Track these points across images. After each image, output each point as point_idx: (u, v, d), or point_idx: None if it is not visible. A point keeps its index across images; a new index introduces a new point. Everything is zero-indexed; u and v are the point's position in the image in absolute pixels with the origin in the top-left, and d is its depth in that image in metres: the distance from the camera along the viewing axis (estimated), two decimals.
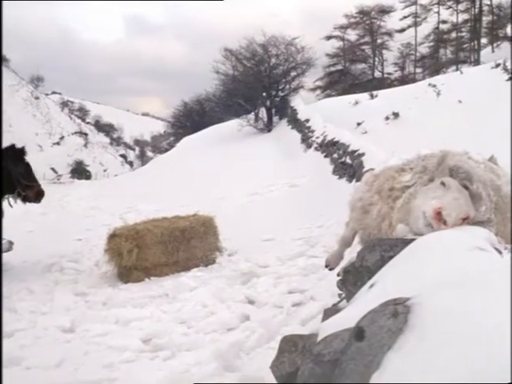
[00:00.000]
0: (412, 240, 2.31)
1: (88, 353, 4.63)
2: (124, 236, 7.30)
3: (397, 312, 1.43)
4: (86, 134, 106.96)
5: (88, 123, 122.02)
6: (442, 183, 2.58)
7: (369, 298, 1.86)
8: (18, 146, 8.21)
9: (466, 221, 2.45)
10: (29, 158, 8.35)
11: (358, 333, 1.47)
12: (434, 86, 23.09)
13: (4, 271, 7.74)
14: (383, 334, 1.40)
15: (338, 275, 3.55)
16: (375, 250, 2.40)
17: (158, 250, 7.45)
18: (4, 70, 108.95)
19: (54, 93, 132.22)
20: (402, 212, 2.66)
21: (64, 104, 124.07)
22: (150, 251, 7.38)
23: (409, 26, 56.87)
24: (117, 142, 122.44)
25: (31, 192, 8.03)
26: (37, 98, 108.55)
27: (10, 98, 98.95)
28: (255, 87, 31.67)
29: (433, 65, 54.34)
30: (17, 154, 8.04)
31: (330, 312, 2.71)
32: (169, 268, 7.55)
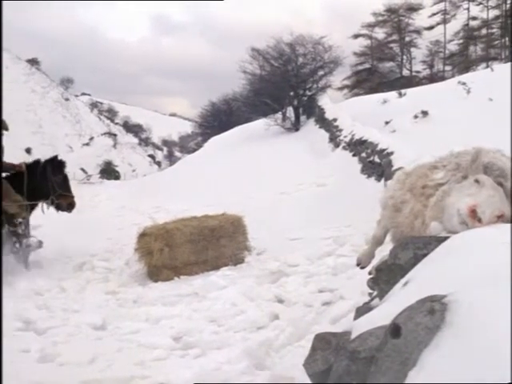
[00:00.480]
0: (446, 238, 2.28)
1: (120, 350, 4.68)
2: (154, 235, 7.36)
3: (433, 309, 1.42)
4: (114, 135, 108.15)
5: (117, 124, 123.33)
6: (477, 180, 2.54)
7: (403, 296, 1.85)
8: (56, 154, 9.16)
9: (500, 218, 2.41)
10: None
11: (394, 330, 1.46)
12: (464, 83, 22.74)
13: (36, 269, 7.88)
14: (420, 331, 1.39)
15: (370, 274, 3.53)
16: (408, 248, 2.37)
17: (188, 249, 7.50)
18: (35, 72, 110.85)
19: (83, 94, 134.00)
20: (436, 210, 2.63)
21: (93, 105, 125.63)
22: (180, 250, 7.43)
23: (438, 24, 56.14)
24: (145, 142, 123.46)
25: (64, 201, 8.66)
26: (67, 99, 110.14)
27: (40, 99, 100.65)
28: (282, 86, 31.58)
29: (462, 62, 53.55)
30: (57, 165, 8.79)
31: (362, 310, 2.70)
32: (198, 267, 7.60)
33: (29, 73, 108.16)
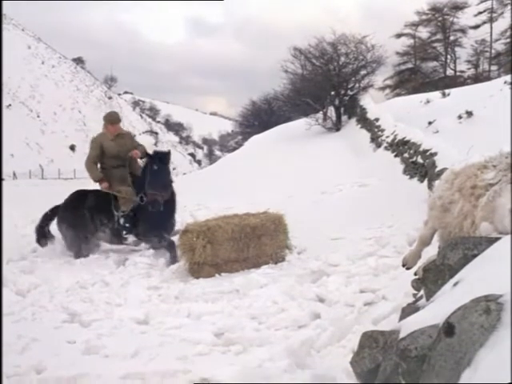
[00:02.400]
0: (497, 239, 2.25)
1: (162, 344, 4.74)
2: (196, 232, 7.42)
3: (489, 309, 1.40)
4: (156, 133, 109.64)
5: (158, 122, 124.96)
6: None
7: (454, 296, 1.83)
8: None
9: None
10: None
11: (448, 329, 1.45)
12: (511, 83, 22.21)
13: (80, 263, 8.04)
14: (475, 331, 1.38)
15: (415, 274, 3.50)
16: (458, 248, 2.34)
17: (229, 247, 7.53)
18: (80, 70, 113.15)
19: (126, 92, 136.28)
20: (486, 210, 2.59)
21: (135, 103, 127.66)
22: (221, 247, 7.47)
23: (484, 22, 54.92)
24: (186, 140, 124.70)
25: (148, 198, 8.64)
26: (110, 97, 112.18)
27: (84, 97, 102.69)
28: (324, 86, 31.43)
29: (509, 62, 52.28)
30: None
31: (408, 310, 2.68)
32: (239, 264, 7.63)
33: (74, 71, 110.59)
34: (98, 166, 9.10)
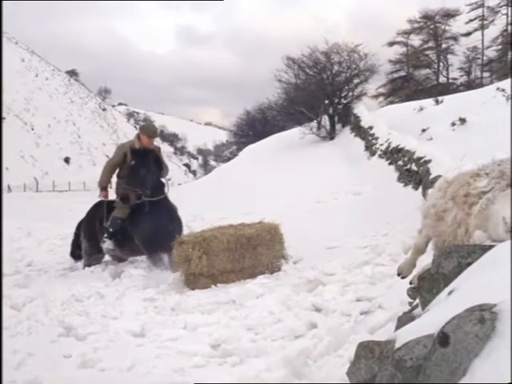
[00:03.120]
0: (491, 247, 2.25)
1: (159, 357, 4.72)
2: (191, 243, 7.41)
3: (483, 318, 1.40)
4: None
5: None
6: None
7: (449, 305, 1.83)
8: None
9: None
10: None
11: (443, 339, 1.45)
12: (503, 90, 22.30)
13: (75, 276, 8.02)
14: (469, 341, 1.38)
15: (411, 283, 3.49)
16: (452, 257, 2.34)
17: (225, 257, 7.52)
18: (74, 83, 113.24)
19: (120, 104, 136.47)
20: (480, 218, 2.60)
21: (130, 115, 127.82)
22: (217, 258, 7.46)
23: (475, 30, 55.27)
24: (180, 151, 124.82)
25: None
26: (104, 109, 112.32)
27: (79, 110, 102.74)
28: (318, 95, 31.61)
29: (501, 69, 52.54)
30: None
31: (404, 319, 2.68)
32: (235, 275, 7.61)
33: (68, 84, 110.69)
34: (116, 172, 8.85)
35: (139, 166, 8.22)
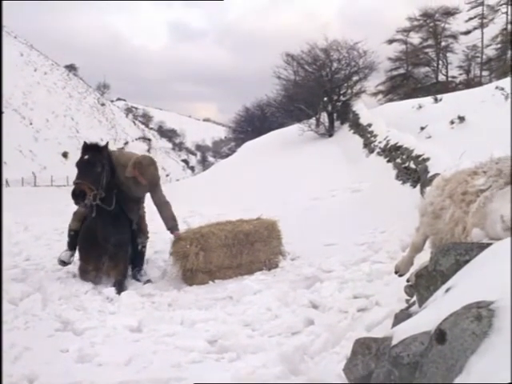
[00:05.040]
0: (488, 244, 2.26)
1: (156, 352, 4.71)
2: (189, 239, 7.41)
3: (480, 315, 1.41)
4: (149, 140, 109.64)
5: (151, 129, 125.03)
6: None
7: (446, 302, 1.83)
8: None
9: None
10: None
11: (440, 335, 1.45)
12: (502, 88, 22.33)
13: (70, 272, 8.00)
14: (466, 338, 1.38)
15: (408, 281, 3.50)
16: (449, 254, 2.35)
17: (222, 253, 7.53)
18: (73, 77, 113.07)
19: (118, 99, 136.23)
20: (478, 216, 2.60)
21: (128, 110, 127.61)
22: (215, 254, 7.46)
23: (475, 28, 55.25)
24: (179, 147, 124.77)
25: None
26: (103, 104, 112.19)
27: (77, 104, 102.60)
28: (316, 92, 31.58)
29: (500, 67, 52.53)
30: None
31: (401, 316, 2.68)
32: (232, 271, 7.63)
33: (66, 78, 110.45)
34: None
35: (79, 161, 7.34)
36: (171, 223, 7.62)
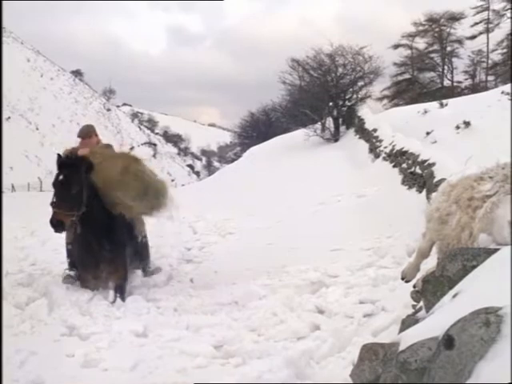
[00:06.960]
0: (495, 250, 2.25)
1: (161, 357, 4.72)
2: None
3: (489, 321, 1.40)
4: (154, 145, 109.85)
5: (157, 134, 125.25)
6: None
7: (453, 308, 1.83)
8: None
9: None
10: None
11: (448, 341, 1.45)
12: (508, 93, 22.27)
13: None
14: (474, 343, 1.38)
15: (414, 287, 3.49)
16: (457, 260, 2.34)
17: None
18: (79, 83, 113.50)
19: (124, 104, 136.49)
20: (485, 222, 2.60)
21: (134, 115, 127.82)
22: None
23: (480, 33, 55.10)
24: (184, 152, 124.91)
25: None
26: (108, 109, 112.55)
27: (83, 109, 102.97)
28: (322, 97, 31.55)
29: (506, 72, 52.38)
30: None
31: (408, 322, 2.67)
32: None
33: (72, 84, 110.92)
34: None
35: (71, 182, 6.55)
36: None
